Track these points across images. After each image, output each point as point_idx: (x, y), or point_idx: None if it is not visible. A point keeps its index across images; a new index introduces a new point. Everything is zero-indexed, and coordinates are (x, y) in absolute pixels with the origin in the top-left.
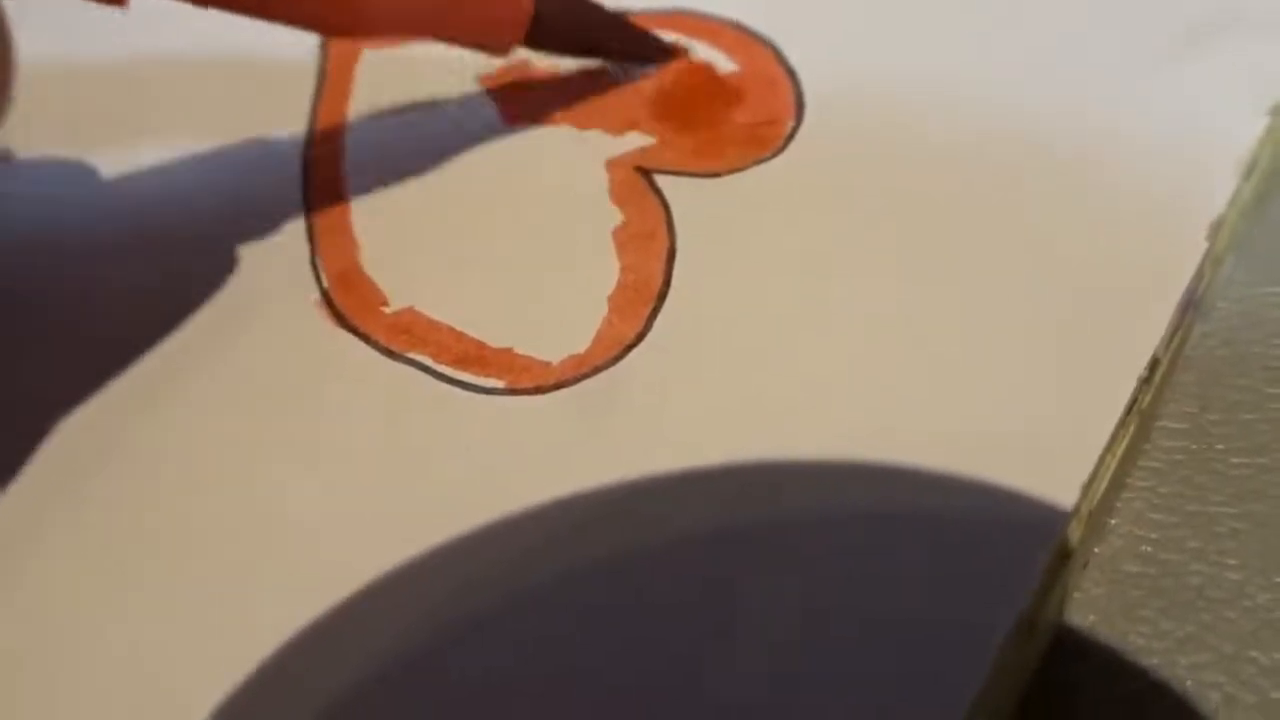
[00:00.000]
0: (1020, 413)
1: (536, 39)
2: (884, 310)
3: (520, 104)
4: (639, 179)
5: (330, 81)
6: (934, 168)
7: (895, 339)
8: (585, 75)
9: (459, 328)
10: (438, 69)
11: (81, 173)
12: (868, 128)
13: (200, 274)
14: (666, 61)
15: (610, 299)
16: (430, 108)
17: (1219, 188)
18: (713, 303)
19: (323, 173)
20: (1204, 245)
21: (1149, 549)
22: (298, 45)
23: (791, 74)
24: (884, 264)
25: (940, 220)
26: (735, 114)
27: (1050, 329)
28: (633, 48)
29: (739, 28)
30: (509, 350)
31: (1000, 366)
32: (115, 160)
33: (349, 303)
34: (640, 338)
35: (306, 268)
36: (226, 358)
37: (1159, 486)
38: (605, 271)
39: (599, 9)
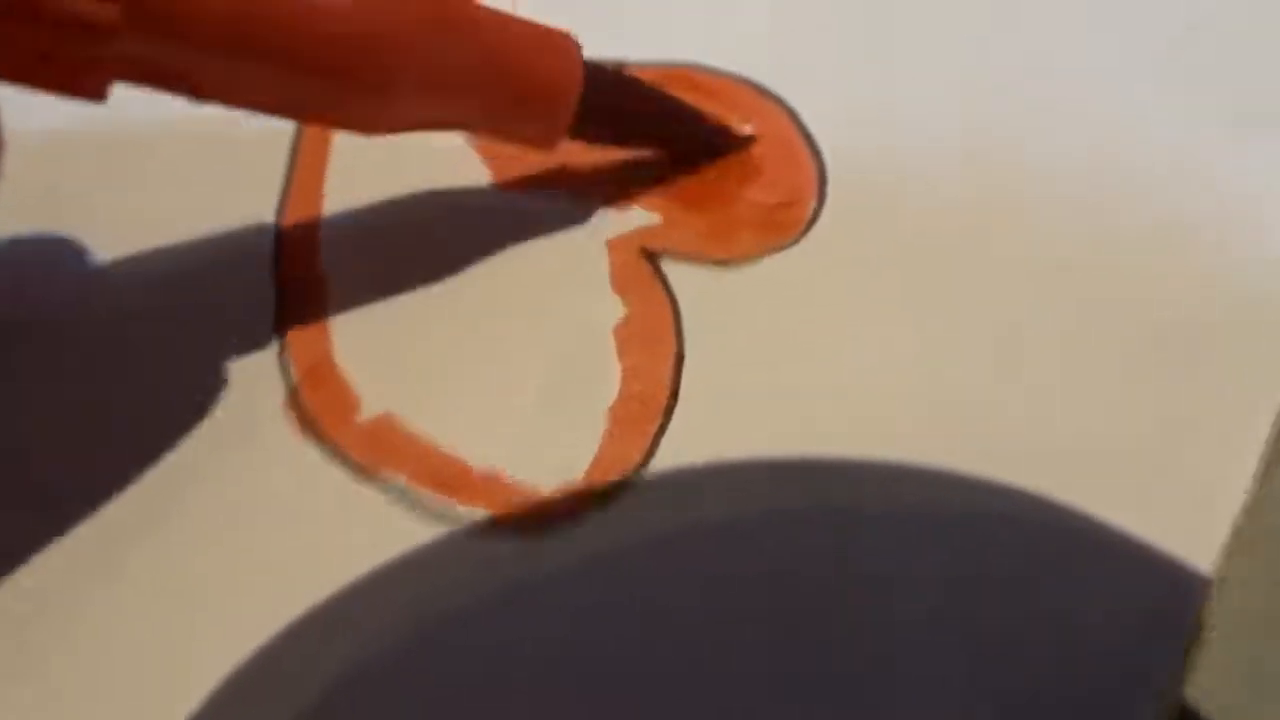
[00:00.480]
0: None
1: (584, 129)
2: (925, 431)
3: (514, 166)
4: (644, 265)
5: (306, 144)
6: (976, 253)
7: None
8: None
9: (439, 440)
10: None
11: (40, 250)
12: (899, 208)
13: (161, 372)
14: (733, 152)
15: (611, 411)
16: (415, 170)
17: None
18: (727, 420)
19: (295, 249)
20: None
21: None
22: None
23: (810, 141)
24: (920, 373)
25: (987, 315)
26: (750, 190)
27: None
28: (695, 138)
29: (752, 86)
30: (496, 476)
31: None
32: (85, 238)
33: (318, 403)
34: (645, 460)
35: (274, 361)
36: (182, 465)
37: None
38: (605, 375)
39: (655, 93)
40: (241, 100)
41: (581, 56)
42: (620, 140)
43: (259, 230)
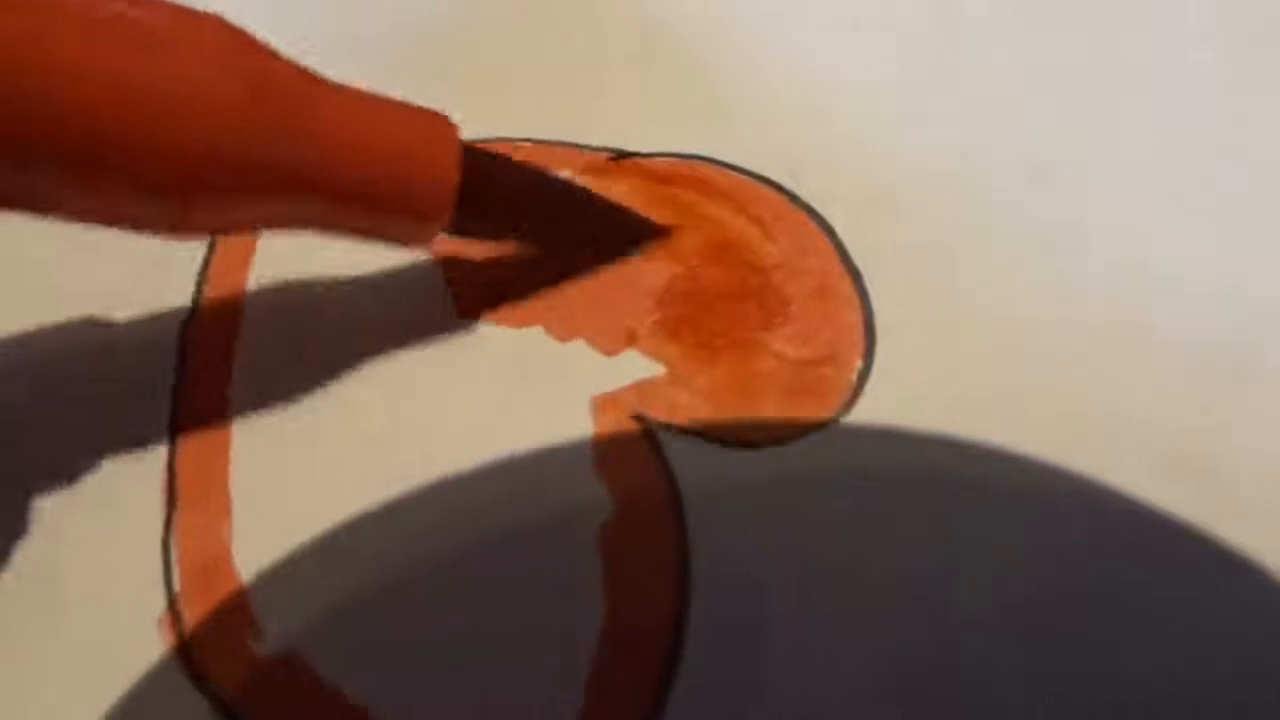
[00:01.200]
0: None
1: (466, 222)
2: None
3: (480, 290)
4: (639, 440)
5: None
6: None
7: None
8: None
9: (361, 700)
10: None
11: None
12: (961, 373)
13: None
14: (646, 246)
15: (589, 678)
16: (357, 291)
17: None
18: (748, 683)
19: (198, 395)
20: None
21: None
22: None
23: (853, 273)
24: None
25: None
26: (776, 337)
27: None
28: (599, 230)
29: (777, 190)
30: None
31: None
32: None
33: (202, 624)
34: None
35: (155, 552)
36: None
37: None
38: (584, 612)
39: (550, 178)
40: (17, 203)
41: (459, 139)
42: (512, 233)
43: (161, 344)
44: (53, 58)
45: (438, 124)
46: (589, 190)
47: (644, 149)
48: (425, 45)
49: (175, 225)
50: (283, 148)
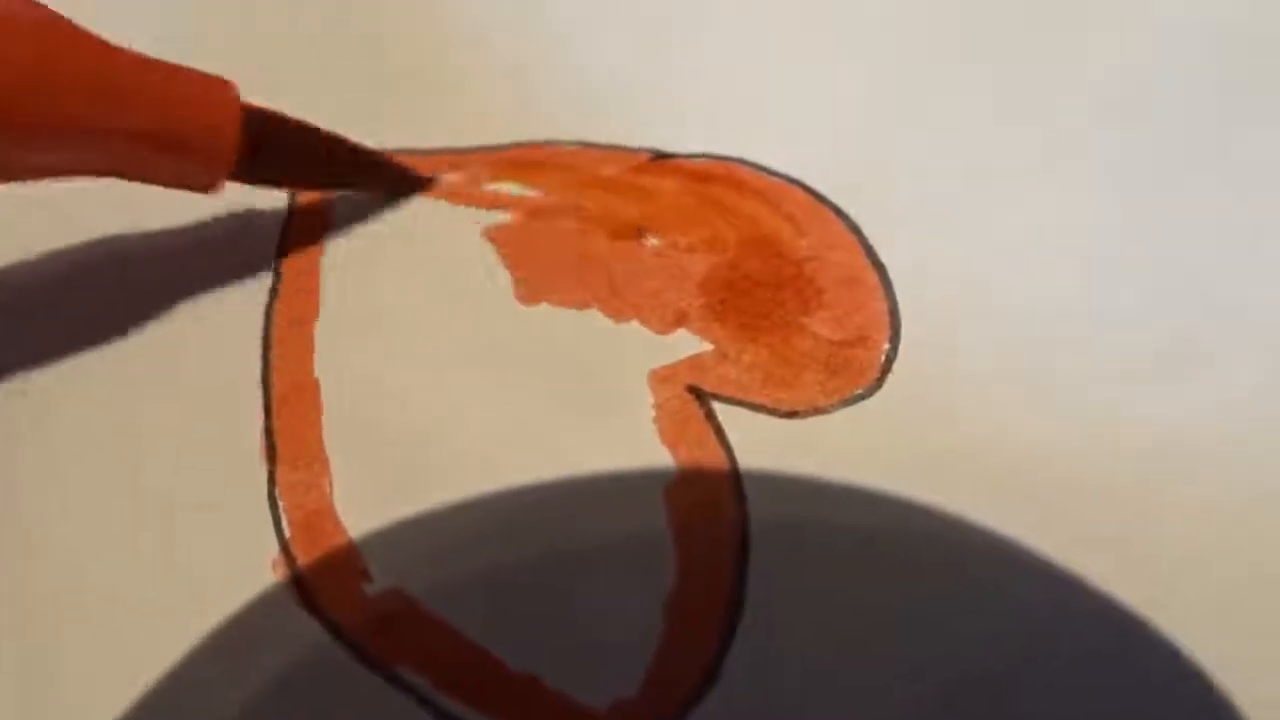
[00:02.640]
0: None
1: (249, 169)
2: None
3: (537, 270)
4: (695, 409)
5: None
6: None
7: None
8: (617, 239)
9: (467, 631)
10: (432, 215)
11: None
12: (983, 350)
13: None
14: (411, 193)
15: (668, 609)
16: (425, 277)
17: None
18: (804, 616)
19: (286, 362)
20: None
21: None
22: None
23: (877, 264)
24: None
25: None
26: (813, 320)
27: None
28: (373, 176)
29: (807, 191)
30: (534, 683)
31: None
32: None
33: (315, 569)
34: (711, 677)
35: (262, 504)
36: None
37: None
38: (659, 550)
39: (324, 133)
40: None
41: (238, 98)
42: (293, 182)
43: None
44: None
45: (219, 85)
46: (357, 143)
47: (682, 150)
48: (485, 50)
49: None
50: (73, 99)
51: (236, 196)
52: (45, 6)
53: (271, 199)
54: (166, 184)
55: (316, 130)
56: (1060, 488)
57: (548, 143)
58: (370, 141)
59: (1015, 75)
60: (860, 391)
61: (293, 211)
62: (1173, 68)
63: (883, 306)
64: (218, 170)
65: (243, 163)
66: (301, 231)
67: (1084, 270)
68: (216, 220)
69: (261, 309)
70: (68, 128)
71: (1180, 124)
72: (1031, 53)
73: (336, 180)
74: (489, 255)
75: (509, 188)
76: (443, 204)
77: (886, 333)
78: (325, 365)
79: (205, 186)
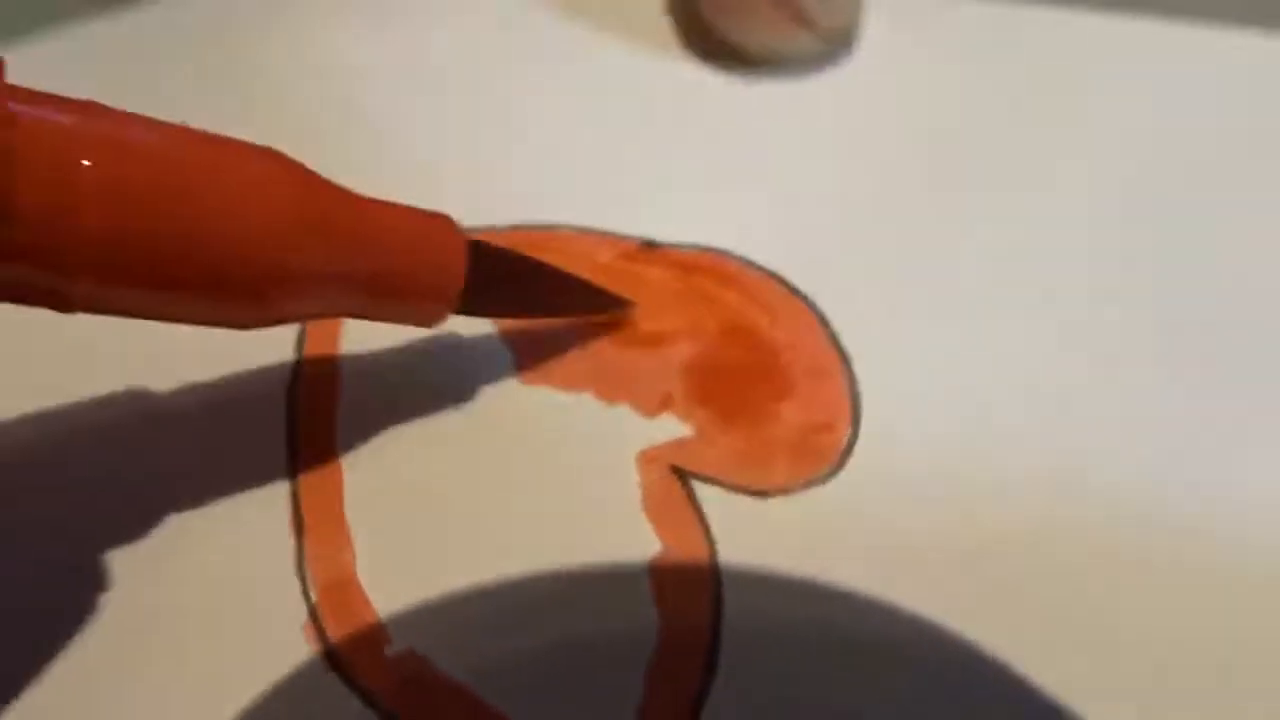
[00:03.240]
0: None
1: (471, 306)
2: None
3: (540, 357)
4: (678, 489)
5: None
6: (1030, 494)
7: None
8: (609, 327)
9: (475, 688)
10: None
11: None
12: (938, 434)
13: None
14: (616, 315)
15: (649, 673)
16: (435, 358)
17: None
18: (770, 680)
19: (311, 442)
20: None
21: None
22: None
23: (843, 356)
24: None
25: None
26: (784, 408)
27: None
28: (577, 304)
29: (783, 284)
30: None
31: None
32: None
33: (342, 632)
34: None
35: (293, 575)
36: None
37: None
38: (640, 617)
39: (535, 264)
40: (114, 312)
41: (462, 235)
42: (509, 312)
43: (270, 404)
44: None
45: (444, 222)
46: (566, 272)
47: (670, 240)
48: (478, 131)
49: (248, 324)
50: (333, 254)
51: None
52: (300, 164)
53: None
54: (396, 320)
55: (531, 260)
56: (1009, 569)
57: (548, 226)
58: None
59: (990, 190)
60: (823, 473)
61: None
62: (1134, 191)
63: (845, 392)
64: (446, 305)
65: (466, 295)
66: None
67: (1036, 371)
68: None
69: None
70: (323, 275)
71: (1139, 243)
72: (1005, 162)
73: (548, 308)
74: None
75: None
76: None
77: (848, 419)
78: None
79: (431, 321)
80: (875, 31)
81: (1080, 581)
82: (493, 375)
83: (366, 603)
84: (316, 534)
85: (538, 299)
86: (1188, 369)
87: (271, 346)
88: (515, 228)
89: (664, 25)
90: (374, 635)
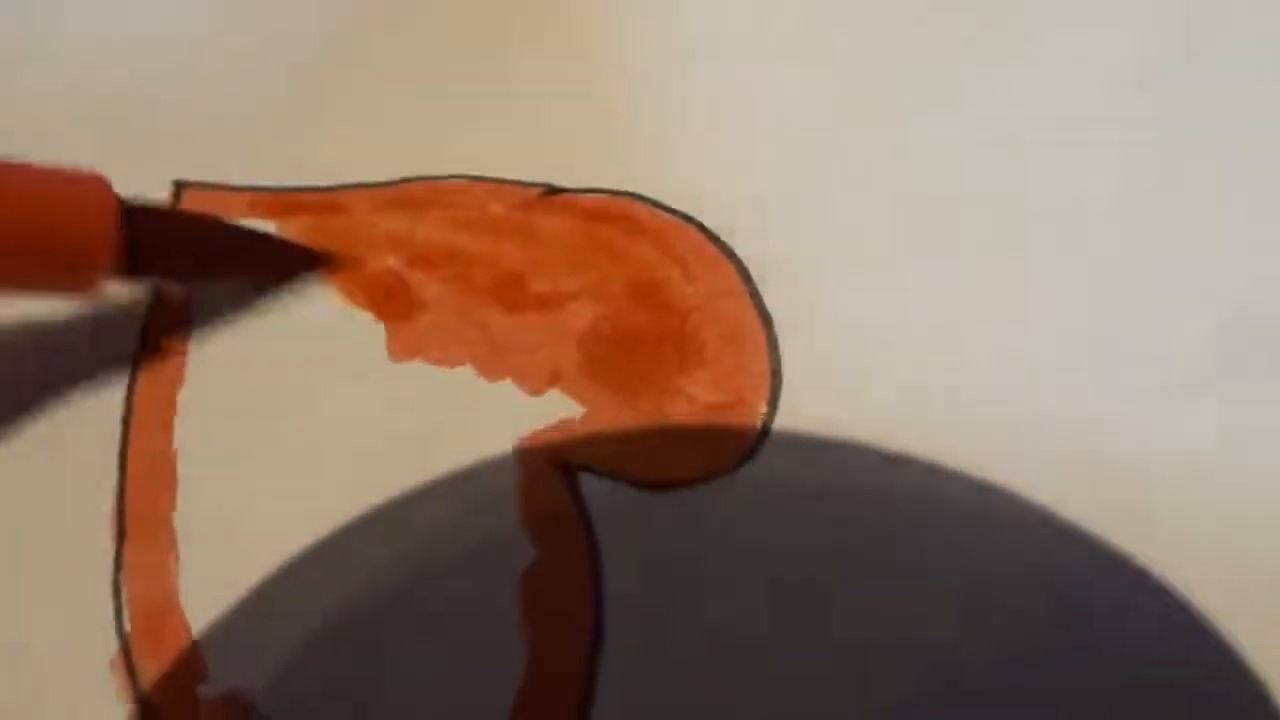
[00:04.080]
0: None
1: (131, 267)
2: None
3: (411, 331)
4: (559, 485)
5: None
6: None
7: None
8: (502, 285)
9: None
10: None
11: None
12: (867, 416)
13: None
14: (311, 274)
15: (514, 708)
16: (294, 339)
17: None
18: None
19: (145, 436)
20: None
21: None
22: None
23: (765, 318)
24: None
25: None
26: (691, 382)
27: None
28: (261, 262)
29: (702, 231)
30: None
31: None
32: None
33: (156, 666)
34: None
35: (106, 597)
36: None
37: None
38: (508, 643)
39: (209, 222)
40: None
41: (113, 195)
42: (181, 276)
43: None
44: None
45: (93, 183)
46: (246, 228)
47: (575, 185)
48: (356, 77)
49: None
50: None
51: None
52: None
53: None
54: (49, 289)
55: (202, 219)
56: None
57: (437, 178)
58: (243, 177)
59: (948, 116)
60: (731, 464)
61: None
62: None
63: (764, 367)
64: (96, 273)
65: (124, 261)
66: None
67: (980, 346)
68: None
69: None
70: None
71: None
72: (966, 84)
73: (229, 270)
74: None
75: (394, 227)
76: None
77: (765, 396)
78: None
79: (84, 290)
80: None
81: None
82: (359, 352)
83: (185, 630)
84: (139, 540)
85: (216, 259)
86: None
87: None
88: (399, 182)
89: None
90: (191, 669)
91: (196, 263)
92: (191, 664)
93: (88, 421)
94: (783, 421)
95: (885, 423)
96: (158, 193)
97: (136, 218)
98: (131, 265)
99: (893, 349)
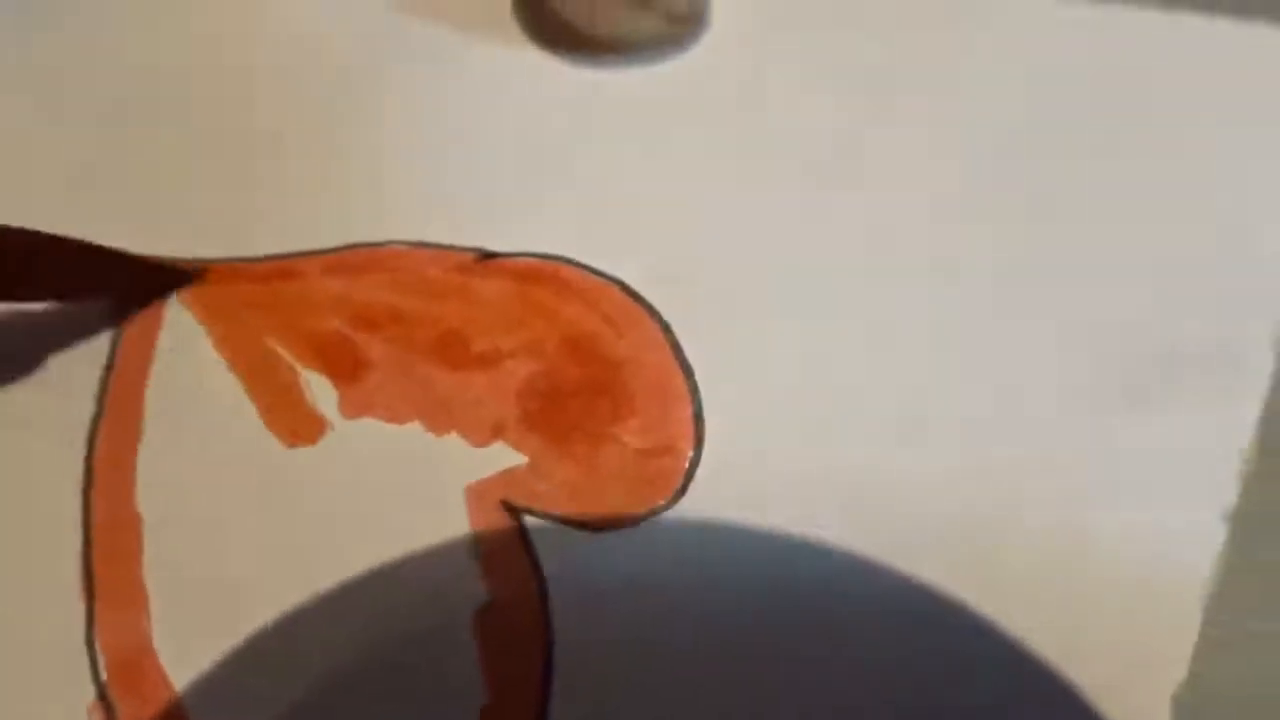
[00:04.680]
0: None
1: None
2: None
3: (361, 389)
4: (510, 527)
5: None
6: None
7: None
8: (443, 344)
9: None
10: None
11: None
12: (784, 456)
13: None
14: (166, 293)
15: None
16: (244, 396)
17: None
18: None
19: (106, 499)
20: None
21: None
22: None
23: (687, 370)
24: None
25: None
26: (624, 430)
27: None
28: (106, 280)
29: (626, 291)
30: None
31: None
32: None
33: (131, 711)
34: None
35: (80, 649)
36: None
37: None
38: (466, 679)
39: (68, 242)
40: None
41: None
42: (17, 295)
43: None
44: None
45: None
46: (113, 250)
47: (507, 249)
48: (305, 143)
49: None
50: None
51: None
52: None
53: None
54: None
55: (60, 240)
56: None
57: (379, 244)
58: (195, 247)
59: (849, 188)
60: (663, 503)
61: (118, 339)
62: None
63: (688, 414)
64: None
65: None
66: (128, 356)
67: (885, 380)
68: (40, 343)
69: (84, 434)
70: None
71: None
72: (867, 158)
73: (72, 288)
74: (312, 374)
75: (338, 290)
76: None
77: (691, 441)
78: (146, 499)
79: None
80: (726, 14)
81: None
82: (309, 410)
83: (163, 677)
84: (109, 601)
85: (56, 277)
86: (1039, 364)
87: (74, 382)
88: (343, 248)
89: (508, 14)
90: (171, 714)
91: (35, 281)
92: (171, 709)
93: (48, 483)
94: (708, 463)
95: (796, 456)
96: None
97: None
98: None
99: (800, 395)
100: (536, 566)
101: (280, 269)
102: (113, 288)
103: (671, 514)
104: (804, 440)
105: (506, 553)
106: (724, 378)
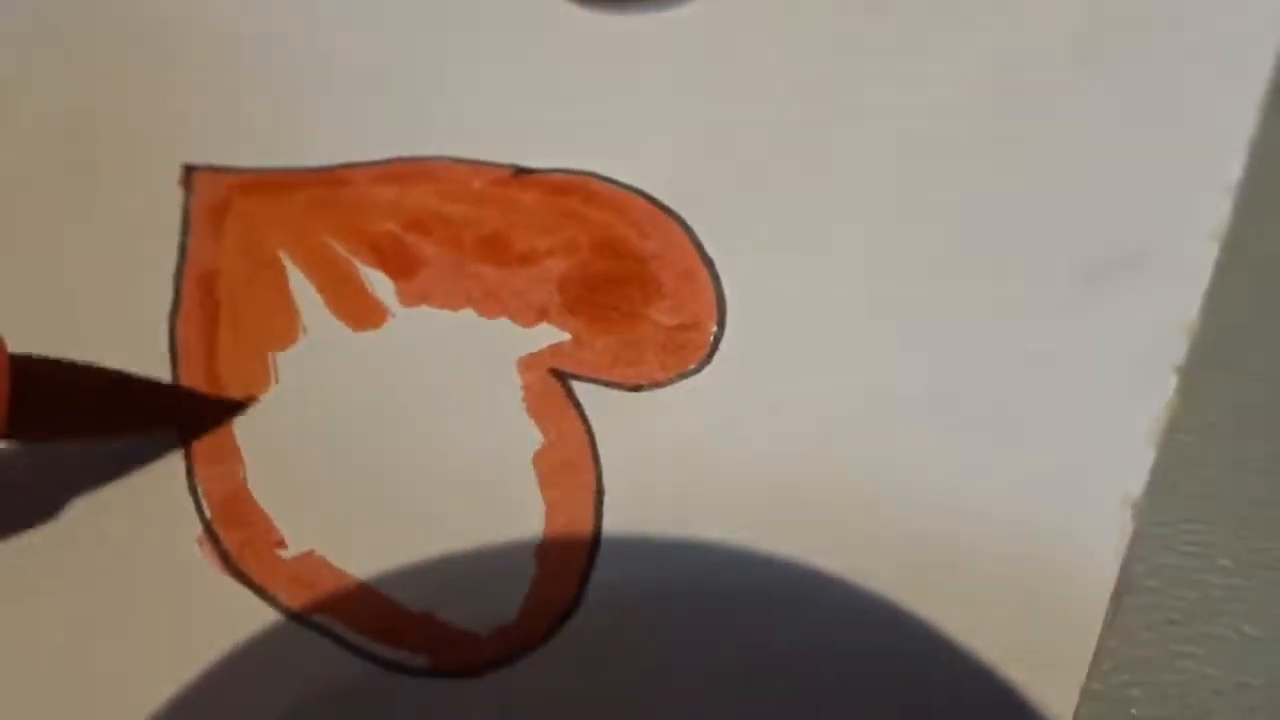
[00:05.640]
0: None
1: (24, 427)
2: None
3: (416, 283)
4: (557, 388)
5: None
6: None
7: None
8: (488, 245)
9: (368, 579)
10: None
11: None
12: (795, 332)
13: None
14: (217, 425)
15: (538, 552)
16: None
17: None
18: (649, 555)
19: (193, 361)
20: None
21: None
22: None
23: (708, 262)
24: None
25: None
26: (653, 310)
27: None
28: (160, 414)
29: (649, 200)
30: (429, 617)
31: None
32: None
33: (237, 540)
34: (575, 604)
35: (184, 492)
36: (93, 615)
37: None
38: (528, 505)
39: (110, 374)
40: None
41: (4, 352)
42: (73, 434)
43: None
44: None
45: None
46: (146, 380)
47: (540, 165)
48: (353, 64)
49: None
50: None
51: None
52: None
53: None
54: None
55: (96, 372)
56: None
57: (424, 158)
58: (254, 158)
59: (858, 112)
60: (693, 368)
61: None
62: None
63: (711, 296)
64: None
65: (15, 419)
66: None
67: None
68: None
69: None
70: None
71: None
72: (875, 83)
73: (128, 424)
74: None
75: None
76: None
77: (715, 317)
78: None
79: None
80: None
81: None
82: (374, 298)
83: (258, 511)
84: (206, 460)
85: (111, 414)
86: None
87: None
88: (391, 160)
89: None
90: (268, 537)
91: (91, 419)
92: (267, 535)
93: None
94: (730, 337)
95: (809, 333)
96: (169, 177)
97: (22, 372)
98: (18, 424)
99: (807, 282)
100: (584, 418)
101: (333, 177)
102: (164, 424)
103: (701, 377)
104: (815, 329)
105: (557, 405)
106: (743, 269)
